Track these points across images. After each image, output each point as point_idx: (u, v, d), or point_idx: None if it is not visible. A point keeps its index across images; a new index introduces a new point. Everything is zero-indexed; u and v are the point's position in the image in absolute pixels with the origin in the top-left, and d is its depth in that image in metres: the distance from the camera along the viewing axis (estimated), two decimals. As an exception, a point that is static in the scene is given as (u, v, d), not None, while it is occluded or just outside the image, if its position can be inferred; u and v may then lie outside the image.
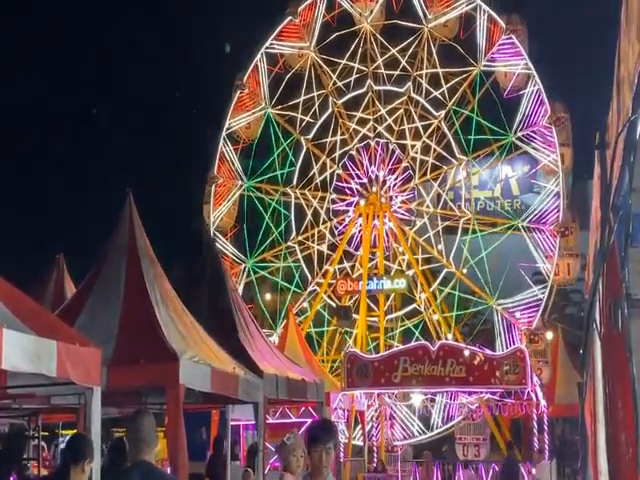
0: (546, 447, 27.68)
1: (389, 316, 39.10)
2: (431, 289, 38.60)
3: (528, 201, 41.80)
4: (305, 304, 39.56)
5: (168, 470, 11.93)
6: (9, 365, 7.66)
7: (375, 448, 31.58)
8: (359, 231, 39.58)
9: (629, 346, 4.19)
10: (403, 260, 39.57)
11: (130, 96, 59.39)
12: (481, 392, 28.18)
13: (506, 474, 25.05)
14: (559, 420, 32.03)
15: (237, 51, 43.55)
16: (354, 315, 38.17)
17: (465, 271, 38.12)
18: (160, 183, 50.99)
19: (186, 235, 45.42)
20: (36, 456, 19.40)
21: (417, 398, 31.10)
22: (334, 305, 39.10)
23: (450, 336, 36.08)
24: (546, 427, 27.85)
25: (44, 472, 20.21)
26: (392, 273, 38.65)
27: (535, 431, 27.36)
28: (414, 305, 39.09)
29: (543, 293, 35.46)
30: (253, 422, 16.62)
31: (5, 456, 18.21)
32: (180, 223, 46.64)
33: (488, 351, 28.79)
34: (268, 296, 40.63)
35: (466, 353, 26.89)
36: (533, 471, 27.18)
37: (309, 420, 19.26)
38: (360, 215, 39.38)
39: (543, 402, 27.41)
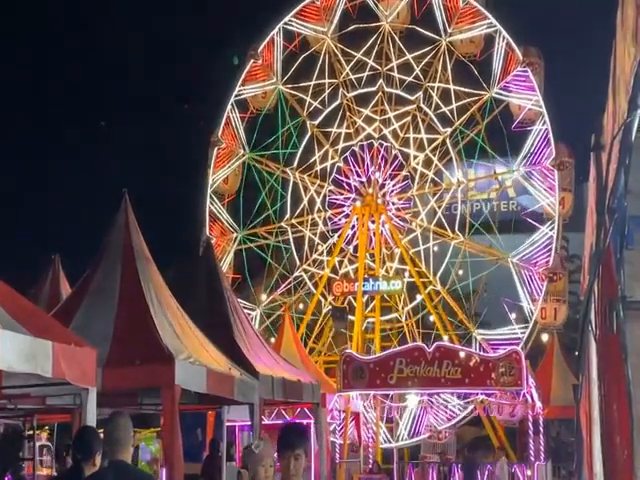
0: (541, 448, 27.69)
1: (371, 319, 39.03)
2: (427, 290, 38.51)
3: (524, 203, 41.84)
4: (302, 303, 39.59)
5: (164, 471, 11.94)
6: (5, 365, 7.67)
7: (370, 449, 31.53)
8: (352, 227, 39.47)
9: (624, 348, 4.20)
10: (391, 267, 39.47)
11: (129, 96, 59.36)
12: (476, 394, 28.18)
13: (466, 474, 25.55)
14: (555, 422, 32.01)
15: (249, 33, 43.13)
16: (350, 316, 38.10)
17: (458, 274, 38.02)
18: (158, 183, 50.98)
19: (183, 235, 45.39)
20: (32, 456, 19.39)
21: (412, 400, 31.04)
22: (327, 305, 39.00)
23: (446, 338, 36.04)
24: (542, 429, 27.85)
25: (40, 472, 20.19)
26: (380, 277, 38.40)
27: (531, 432, 27.34)
28: (395, 314, 39.00)
29: (523, 333, 34.93)
30: (249, 423, 16.59)
31: (0, 456, 18.19)
32: (177, 223, 46.58)
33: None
34: (263, 297, 40.54)
35: (462, 355, 26.87)
36: (495, 470, 27.17)
37: (305, 421, 19.22)
38: (356, 214, 39.27)
39: (539, 404, 27.41)
